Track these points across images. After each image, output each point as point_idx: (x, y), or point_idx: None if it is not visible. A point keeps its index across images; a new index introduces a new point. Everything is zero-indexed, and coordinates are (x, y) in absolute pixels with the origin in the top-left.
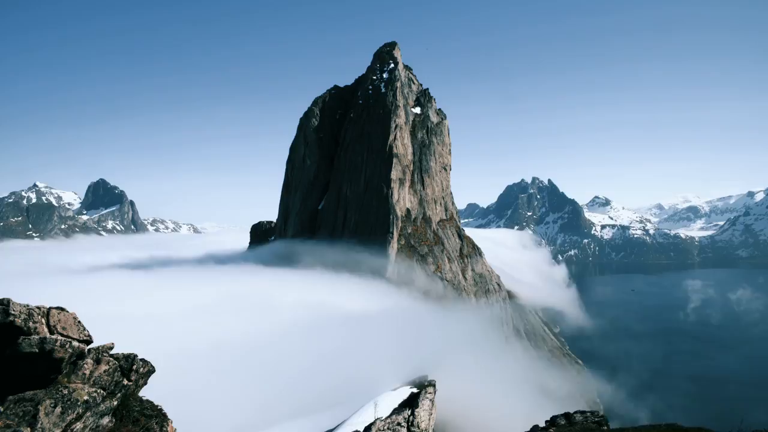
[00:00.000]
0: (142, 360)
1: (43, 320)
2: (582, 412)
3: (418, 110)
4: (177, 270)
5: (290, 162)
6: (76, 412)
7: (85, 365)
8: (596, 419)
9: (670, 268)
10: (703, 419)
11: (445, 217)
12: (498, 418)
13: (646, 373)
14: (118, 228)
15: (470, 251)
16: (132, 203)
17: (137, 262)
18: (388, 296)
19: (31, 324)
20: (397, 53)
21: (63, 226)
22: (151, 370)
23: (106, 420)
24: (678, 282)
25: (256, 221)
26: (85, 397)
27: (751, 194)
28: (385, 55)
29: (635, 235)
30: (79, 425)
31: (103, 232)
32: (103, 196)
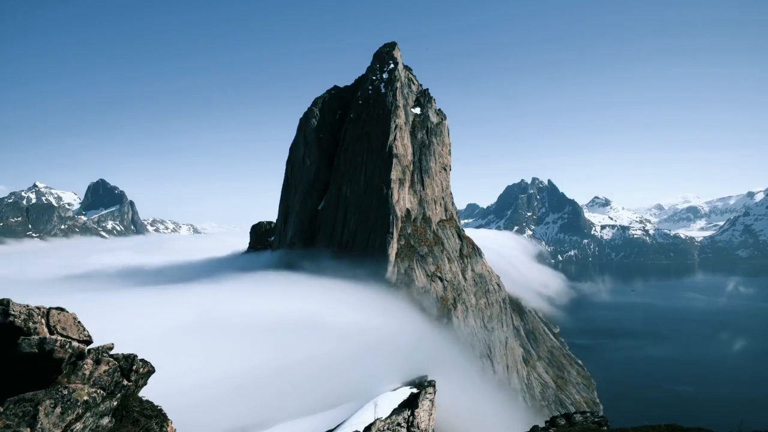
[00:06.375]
0: (142, 360)
1: (43, 320)
2: (582, 413)
3: (417, 110)
4: (175, 277)
5: (290, 162)
6: (75, 412)
7: (84, 365)
8: (596, 419)
9: (670, 269)
10: (702, 419)
11: (445, 218)
12: (497, 418)
13: (646, 373)
14: (117, 228)
15: (470, 251)
16: (132, 203)
17: (134, 268)
18: (388, 297)
19: (30, 324)
20: (396, 53)
21: (63, 227)
22: (151, 371)
23: (105, 420)
24: (678, 282)
25: (257, 221)
26: (85, 398)
27: (751, 194)
28: (384, 55)
29: (635, 236)
30: (78, 425)
31: (103, 233)
32: (103, 197)
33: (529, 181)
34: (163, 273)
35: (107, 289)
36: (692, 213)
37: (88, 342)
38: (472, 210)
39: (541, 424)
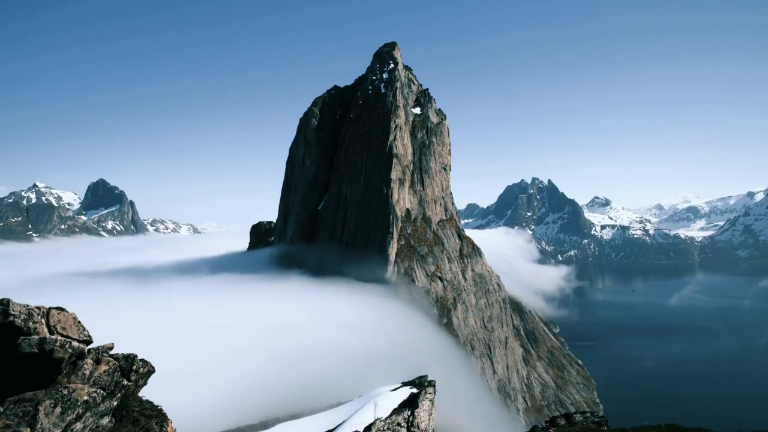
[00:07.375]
0: (142, 360)
1: (43, 320)
2: (582, 413)
3: (417, 110)
4: (175, 276)
5: (290, 162)
6: (75, 412)
7: (84, 365)
8: (596, 419)
9: (670, 269)
10: (702, 419)
11: (444, 218)
12: (497, 418)
13: (646, 373)
14: (117, 228)
15: (470, 251)
16: (132, 203)
17: (132, 268)
18: (388, 297)
19: (30, 324)
20: (396, 53)
21: (63, 227)
22: (151, 371)
23: (105, 420)
24: (678, 283)
25: (257, 221)
26: (85, 398)
27: (751, 194)
28: (384, 55)
29: (635, 236)
30: (78, 425)
31: (103, 233)
32: (103, 196)
33: (529, 181)
34: (161, 272)
35: (110, 288)
36: (692, 213)
37: (88, 342)
38: (472, 210)
39: (541, 424)
